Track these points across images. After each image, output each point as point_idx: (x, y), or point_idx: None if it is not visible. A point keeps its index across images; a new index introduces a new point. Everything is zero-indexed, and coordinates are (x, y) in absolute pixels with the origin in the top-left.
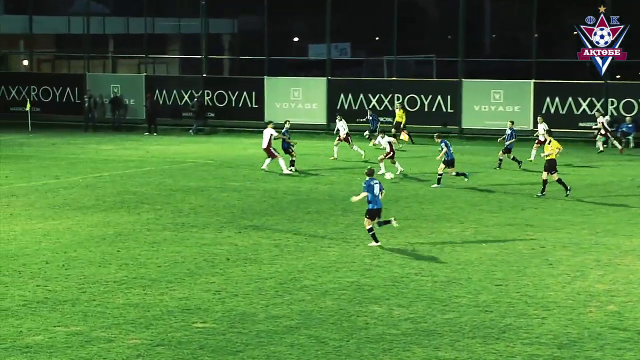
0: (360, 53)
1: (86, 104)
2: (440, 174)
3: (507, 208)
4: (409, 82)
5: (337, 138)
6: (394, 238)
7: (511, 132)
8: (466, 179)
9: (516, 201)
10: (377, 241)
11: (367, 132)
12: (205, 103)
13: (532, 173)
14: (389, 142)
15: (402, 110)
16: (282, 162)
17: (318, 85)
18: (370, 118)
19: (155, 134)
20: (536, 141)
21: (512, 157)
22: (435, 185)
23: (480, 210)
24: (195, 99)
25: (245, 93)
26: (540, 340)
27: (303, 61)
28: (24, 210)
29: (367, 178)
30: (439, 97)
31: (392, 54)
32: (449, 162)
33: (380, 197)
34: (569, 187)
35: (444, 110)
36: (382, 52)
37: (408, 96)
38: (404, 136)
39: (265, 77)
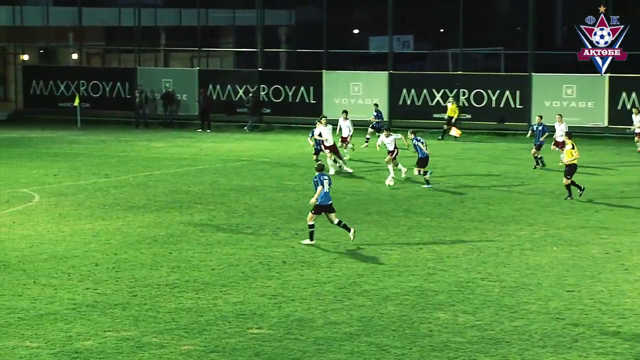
0: (424, 46)
1: (137, 100)
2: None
3: (579, 210)
4: (475, 77)
5: (340, 139)
6: (460, 241)
7: (542, 128)
8: (426, 185)
9: (589, 202)
10: (312, 240)
11: (370, 130)
12: (261, 98)
13: (607, 174)
14: (395, 140)
15: (455, 105)
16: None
17: (379, 80)
18: (375, 114)
19: (208, 130)
20: (553, 142)
21: (539, 155)
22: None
23: (551, 211)
24: (251, 94)
25: (302, 88)
26: (616, 350)
27: (363, 54)
28: (73, 210)
29: (317, 173)
30: (507, 92)
31: (457, 47)
32: (421, 161)
33: (329, 192)
34: (582, 187)
35: (513, 106)
36: (447, 44)
37: (474, 91)
38: (454, 132)
39: (324, 71)
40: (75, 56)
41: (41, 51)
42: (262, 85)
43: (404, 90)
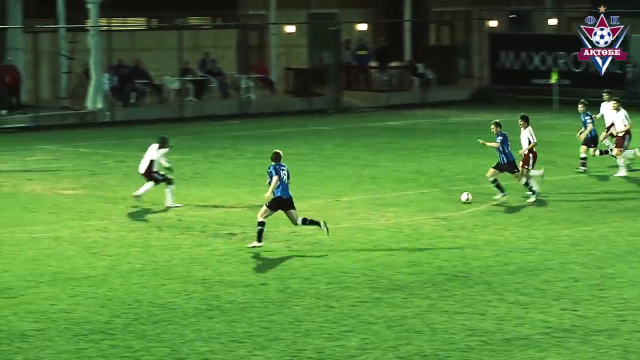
0: None
1: (629, 75)
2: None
3: None
4: None
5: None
6: None
7: None
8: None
9: None
10: (260, 241)
11: None
12: None
13: None
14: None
15: None
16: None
17: None
18: None
19: None
20: None
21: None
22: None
23: None
24: None
25: None
26: None
27: None
28: (547, 212)
29: (273, 163)
30: None
31: None
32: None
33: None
34: None
35: None
36: None
37: None
38: None
39: None
40: (553, 21)
41: (512, 16)
42: None
43: None
